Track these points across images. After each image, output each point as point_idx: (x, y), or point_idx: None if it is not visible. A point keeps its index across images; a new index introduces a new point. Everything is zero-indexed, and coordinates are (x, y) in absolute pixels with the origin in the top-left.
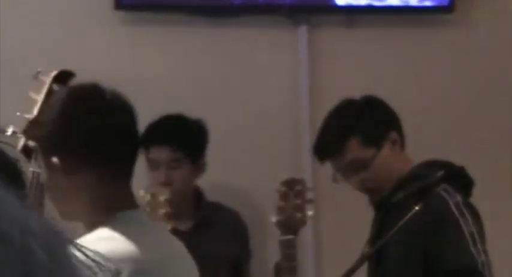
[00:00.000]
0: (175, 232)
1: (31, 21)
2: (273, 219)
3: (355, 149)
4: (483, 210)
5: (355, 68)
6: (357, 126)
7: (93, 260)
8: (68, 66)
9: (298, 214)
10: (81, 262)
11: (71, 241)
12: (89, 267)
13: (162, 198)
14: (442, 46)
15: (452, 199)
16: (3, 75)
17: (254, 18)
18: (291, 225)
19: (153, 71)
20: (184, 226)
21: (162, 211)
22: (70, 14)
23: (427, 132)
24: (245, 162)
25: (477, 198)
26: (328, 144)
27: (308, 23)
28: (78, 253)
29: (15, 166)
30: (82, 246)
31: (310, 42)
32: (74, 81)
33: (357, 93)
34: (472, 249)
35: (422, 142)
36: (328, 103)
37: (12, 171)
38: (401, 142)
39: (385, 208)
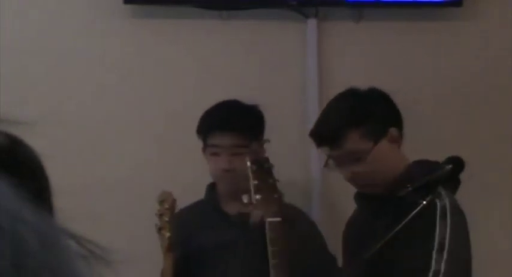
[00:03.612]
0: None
1: (40, 15)
2: (245, 199)
3: (353, 141)
4: (485, 207)
5: (364, 61)
6: (359, 119)
7: (89, 250)
8: (77, 60)
9: (275, 195)
10: (75, 252)
11: (66, 231)
12: (84, 257)
13: (166, 205)
14: (450, 40)
15: (449, 199)
16: (9, 69)
17: (263, 12)
18: (270, 207)
19: (162, 64)
20: (235, 210)
21: (165, 219)
22: (79, 7)
23: (435, 125)
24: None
25: (481, 193)
26: (328, 132)
27: (317, 17)
28: (73, 243)
29: (15, 155)
30: (77, 236)
31: (319, 36)
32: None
33: (364, 85)
34: (434, 254)
35: (430, 135)
36: None
37: (12, 159)
38: (399, 140)
39: (393, 203)
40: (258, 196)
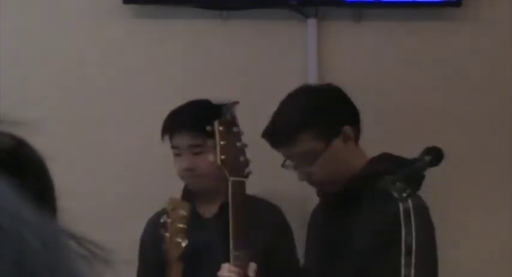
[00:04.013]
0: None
1: (39, 15)
2: (212, 157)
3: (305, 142)
4: (485, 207)
5: (363, 61)
6: (310, 119)
7: (89, 250)
8: (77, 60)
9: (242, 157)
10: (76, 252)
11: (66, 231)
12: (84, 257)
13: (182, 212)
14: (449, 40)
15: (412, 199)
16: (8, 71)
17: (263, 11)
18: (235, 167)
19: (161, 64)
20: (210, 212)
21: (179, 225)
22: (78, 7)
23: (432, 125)
24: (252, 154)
25: (479, 192)
26: (280, 133)
27: (317, 16)
28: (73, 243)
29: (21, 156)
30: (77, 236)
31: (318, 36)
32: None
33: (364, 85)
34: (402, 259)
35: (427, 135)
36: None
37: (17, 160)
38: (356, 138)
39: (353, 200)
40: (223, 157)
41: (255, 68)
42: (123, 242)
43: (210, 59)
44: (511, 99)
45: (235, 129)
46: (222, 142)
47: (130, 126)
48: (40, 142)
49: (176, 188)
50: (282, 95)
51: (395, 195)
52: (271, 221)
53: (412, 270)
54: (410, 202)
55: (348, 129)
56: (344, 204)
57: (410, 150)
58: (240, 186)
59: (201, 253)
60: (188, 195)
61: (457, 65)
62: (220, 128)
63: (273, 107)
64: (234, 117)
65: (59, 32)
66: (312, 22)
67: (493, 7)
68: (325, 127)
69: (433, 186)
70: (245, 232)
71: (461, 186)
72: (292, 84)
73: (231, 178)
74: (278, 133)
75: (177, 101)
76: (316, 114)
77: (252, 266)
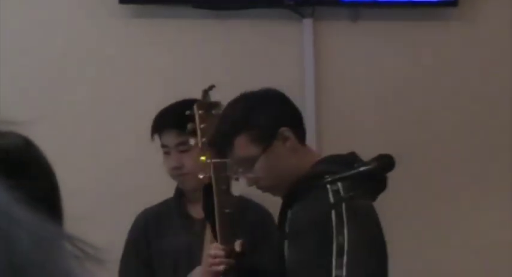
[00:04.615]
0: (190, 219)
1: (36, 16)
2: (192, 142)
3: (242, 147)
4: (485, 207)
5: (360, 61)
6: (245, 123)
7: (82, 250)
8: (73, 60)
9: None
10: (69, 252)
11: (59, 231)
12: (77, 257)
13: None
14: (446, 40)
15: (346, 201)
16: (5, 70)
17: (260, 11)
18: (217, 149)
19: (158, 63)
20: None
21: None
22: (75, 7)
23: (430, 125)
24: None
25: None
26: (218, 140)
27: (313, 16)
28: (66, 243)
29: (30, 154)
30: (70, 236)
31: (315, 36)
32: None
33: (361, 85)
34: (334, 260)
35: (425, 136)
36: (333, 96)
37: (27, 159)
38: (299, 138)
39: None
40: (204, 139)
41: (251, 68)
42: (118, 241)
43: (207, 59)
44: (509, 98)
45: (214, 112)
46: (202, 126)
47: (126, 125)
48: (36, 142)
49: (171, 188)
50: None
51: (331, 195)
52: (248, 220)
53: (344, 271)
54: (344, 204)
55: (285, 130)
56: (288, 206)
57: (409, 150)
58: (223, 168)
59: (190, 252)
60: (180, 194)
61: (453, 65)
62: (200, 112)
63: None
64: (214, 102)
65: (55, 31)
66: (308, 22)
67: (489, 7)
68: (260, 130)
69: (434, 187)
70: (231, 223)
71: (462, 186)
72: (288, 83)
73: (213, 160)
74: (217, 141)
75: (174, 100)
76: (250, 118)
77: (238, 242)
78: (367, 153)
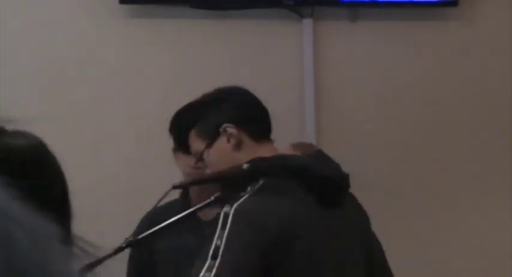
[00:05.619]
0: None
1: (36, 16)
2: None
3: (193, 141)
4: (485, 207)
5: (359, 61)
6: (195, 119)
7: (81, 248)
8: (73, 60)
9: None
10: (67, 250)
11: (57, 230)
12: (75, 255)
13: None
14: (446, 40)
15: (238, 205)
16: (5, 70)
17: (259, 11)
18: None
19: (158, 63)
20: (209, 216)
21: None
22: (75, 7)
23: (430, 124)
24: None
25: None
26: (176, 133)
27: (313, 16)
28: (65, 242)
29: (43, 154)
30: (71, 236)
31: (314, 36)
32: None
33: (359, 85)
34: (208, 262)
35: (425, 136)
36: (333, 95)
37: (41, 158)
38: (253, 136)
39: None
40: None
41: (250, 68)
42: (118, 241)
43: (207, 59)
44: (509, 98)
45: None
46: None
47: (126, 125)
48: None
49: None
50: (278, 94)
51: (228, 198)
52: None
53: (214, 271)
54: (233, 207)
55: (228, 127)
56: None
57: (408, 150)
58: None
59: (193, 252)
60: (185, 195)
61: (453, 65)
62: None
63: (268, 106)
64: None
65: (55, 31)
66: (307, 22)
67: (489, 7)
68: (205, 125)
69: (433, 187)
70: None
71: (461, 186)
72: (288, 83)
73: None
74: (175, 133)
75: (173, 100)
76: (201, 114)
77: None
78: (366, 152)
